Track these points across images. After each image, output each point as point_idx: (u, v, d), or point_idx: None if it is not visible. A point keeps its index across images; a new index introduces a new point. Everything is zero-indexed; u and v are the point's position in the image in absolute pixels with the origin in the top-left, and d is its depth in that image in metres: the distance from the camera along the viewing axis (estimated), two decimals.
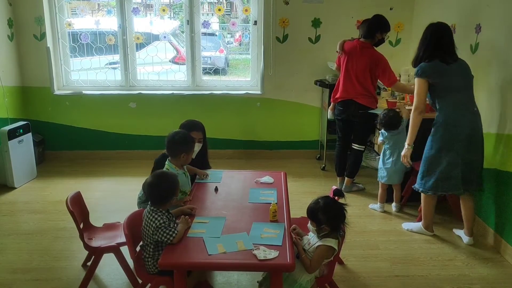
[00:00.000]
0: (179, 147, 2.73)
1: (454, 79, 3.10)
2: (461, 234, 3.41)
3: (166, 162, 2.75)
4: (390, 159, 3.80)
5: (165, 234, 2.17)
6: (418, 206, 3.73)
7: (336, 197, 2.33)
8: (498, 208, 3.25)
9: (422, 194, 3.36)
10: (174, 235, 2.16)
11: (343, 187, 4.30)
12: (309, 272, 2.21)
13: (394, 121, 3.72)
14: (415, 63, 3.21)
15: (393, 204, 3.92)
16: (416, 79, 3.15)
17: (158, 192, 2.29)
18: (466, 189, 3.23)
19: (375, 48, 3.99)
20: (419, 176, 3.34)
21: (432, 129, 3.21)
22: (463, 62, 3.16)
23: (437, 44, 3.10)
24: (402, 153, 3.35)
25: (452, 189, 3.23)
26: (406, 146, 3.29)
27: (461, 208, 3.34)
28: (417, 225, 3.48)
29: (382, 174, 3.88)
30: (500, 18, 3.23)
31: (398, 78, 4.18)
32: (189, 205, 2.54)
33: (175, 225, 2.26)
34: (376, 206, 3.94)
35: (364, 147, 4.20)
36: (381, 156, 3.91)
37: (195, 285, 2.54)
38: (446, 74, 3.09)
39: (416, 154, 3.84)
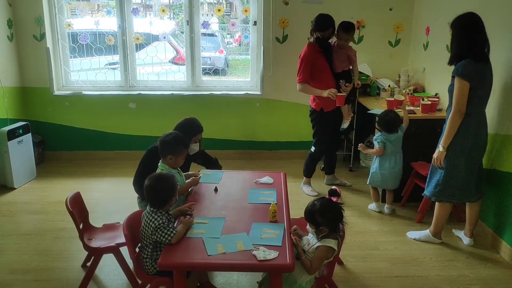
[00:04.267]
0: (168, 149, 2.69)
1: (487, 86, 2.99)
2: (461, 235, 3.41)
3: (159, 163, 2.74)
4: (387, 165, 3.73)
5: (164, 234, 2.17)
6: (417, 206, 3.74)
7: (332, 198, 2.33)
8: (497, 209, 3.25)
9: (436, 203, 3.29)
10: (172, 235, 2.16)
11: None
12: (310, 273, 2.21)
13: (393, 122, 3.66)
14: (454, 60, 3.00)
15: (386, 206, 3.87)
16: (457, 79, 2.91)
17: (157, 195, 2.29)
18: (478, 197, 3.23)
19: (322, 48, 3.98)
20: (432, 183, 3.22)
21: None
22: (490, 64, 2.99)
23: (476, 37, 2.90)
24: (435, 156, 3.11)
25: (467, 197, 3.21)
26: (440, 149, 3.07)
27: (466, 210, 3.33)
28: (425, 233, 3.38)
29: (375, 178, 3.81)
30: (499, 18, 3.24)
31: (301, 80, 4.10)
32: (187, 204, 2.54)
33: (174, 225, 2.27)
34: (373, 206, 3.92)
35: (314, 148, 4.22)
36: (376, 160, 3.81)
37: (198, 286, 2.55)
38: (485, 81, 2.95)
39: (413, 155, 3.86)
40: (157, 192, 2.29)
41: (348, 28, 3.97)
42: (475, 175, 3.14)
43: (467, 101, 2.93)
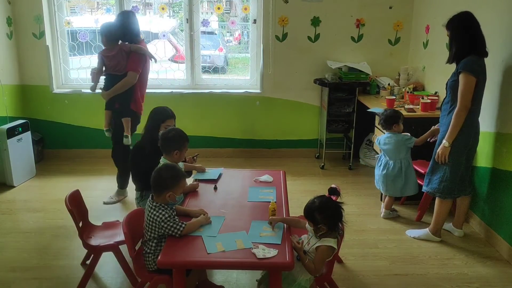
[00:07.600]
0: (173, 144, 2.71)
1: (485, 83, 3.01)
2: (450, 228, 3.44)
3: (161, 159, 2.75)
4: (379, 166, 3.68)
5: (173, 226, 2.18)
6: (417, 205, 3.74)
7: (332, 196, 2.33)
8: (497, 207, 3.25)
9: (437, 199, 3.27)
10: (182, 228, 2.17)
11: None
12: (313, 274, 2.21)
13: (387, 118, 3.60)
14: (455, 58, 3.00)
15: (382, 210, 3.78)
16: (464, 75, 2.90)
17: (154, 180, 2.30)
18: (471, 190, 3.29)
19: None
20: (435, 179, 3.21)
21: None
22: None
23: (476, 34, 2.94)
24: (440, 151, 3.08)
25: (464, 191, 3.24)
26: (446, 144, 3.04)
27: (457, 203, 3.36)
28: (424, 232, 3.38)
29: (379, 183, 3.73)
30: (498, 17, 3.23)
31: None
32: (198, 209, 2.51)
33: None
34: (384, 212, 3.75)
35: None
36: (376, 164, 3.76)
37: (197, 284, 2.55)
38: (485, 77, 2.98)
39: (413, 154, 3.86)
40: (156, 177, 2.30)
41: None
42: (469, 170, 3.22)
43: (472, 98, 2.95)
